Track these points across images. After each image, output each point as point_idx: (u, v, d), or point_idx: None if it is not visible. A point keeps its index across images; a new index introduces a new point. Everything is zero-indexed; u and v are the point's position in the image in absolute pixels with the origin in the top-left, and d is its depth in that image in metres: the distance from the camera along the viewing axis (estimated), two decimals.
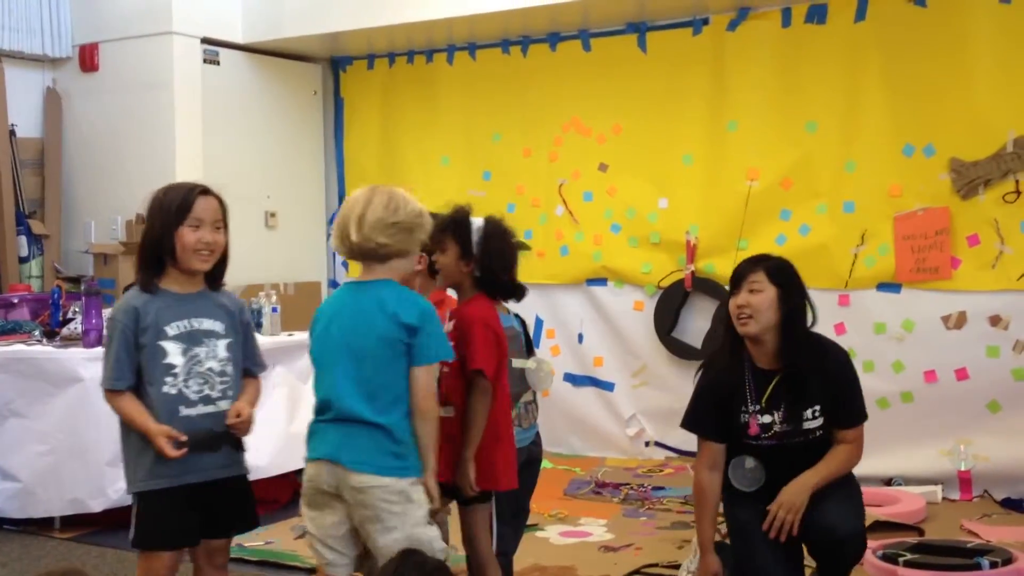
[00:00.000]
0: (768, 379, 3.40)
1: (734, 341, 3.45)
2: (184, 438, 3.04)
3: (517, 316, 3.77)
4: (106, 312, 5.59)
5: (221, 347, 3.17)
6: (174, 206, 3.13)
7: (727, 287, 5.93)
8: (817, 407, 3.37)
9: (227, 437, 3.16)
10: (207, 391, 3.13)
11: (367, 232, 2.94)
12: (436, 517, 3.18)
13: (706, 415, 3.48)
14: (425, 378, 2.94)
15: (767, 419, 3.39)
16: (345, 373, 2.95)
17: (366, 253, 2.98)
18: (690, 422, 3.54)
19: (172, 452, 3.02)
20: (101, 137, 6.65)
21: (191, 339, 3.12)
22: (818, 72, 5.81)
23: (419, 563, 2.81)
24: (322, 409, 3.00)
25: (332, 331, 3.01)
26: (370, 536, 2.93)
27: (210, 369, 3.14)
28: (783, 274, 3.46)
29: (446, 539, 3.33)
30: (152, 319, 3.08)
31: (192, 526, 3.13)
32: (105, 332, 3.12)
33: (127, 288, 3.25)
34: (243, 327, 3.28)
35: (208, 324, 3.17)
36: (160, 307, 3.10)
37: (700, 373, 3.55)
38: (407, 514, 2.90)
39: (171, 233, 3.11)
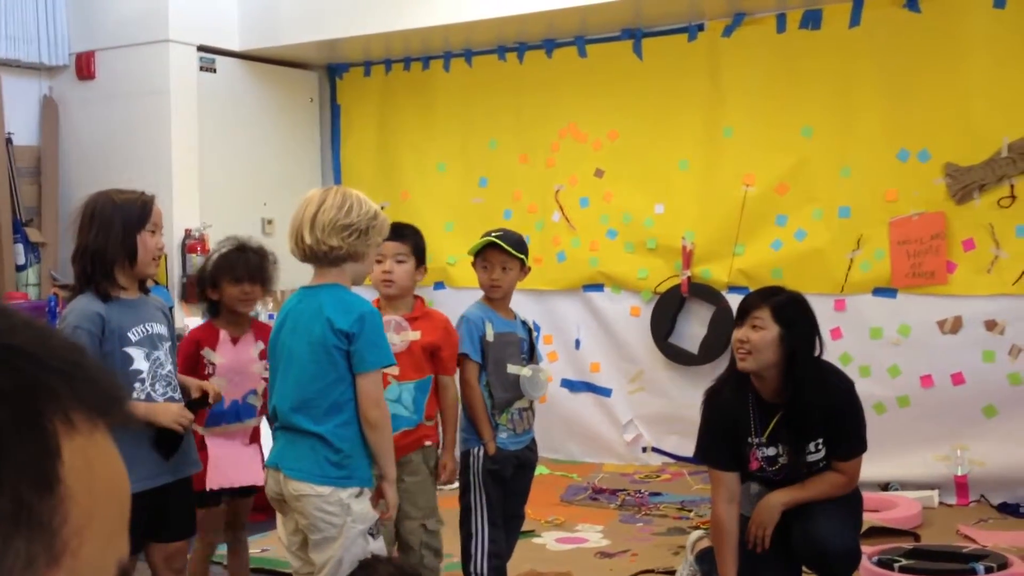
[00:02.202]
0: (771, 413, 3.36)
1: (739, 371, 3.38)
2: (187, 421, 3.08)
3: (524, 322, 3.79)
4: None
5: (167, 349, 3.18)
6: (135, 212, 3.10)
7: (724, 293, 6.04)
8: (820, 440, 3.35)
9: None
10: (170, 392, 3.14)
11: (319, 234, 2.87)
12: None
13: (717, 446, 3.44)
14: (366, 386, 2.87)
15: (771, 452, 3.37)
16: (285, 380, 2.94)
17: (319, 256, 2.92)
18: (703, 455, 3.52)
19: (182, 424, 3.05)
20: (98, 145, 6.65)
21: (150, 343, 3.10)
22: (813, 78, 5.82)
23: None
24: (273, 416, 3.01)
25: (280, 337, 2.99)
26: (310, 545, 2.91)
27: (168, 371, 3.15)
28: (789, 312, 3.35)
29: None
30: (115, 325, 3.04)
31: (140, 533, 3.12)
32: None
33: (72, 296, 3.18)
34: (173, 329, 3.29)
35: (158, 328, 3.16)
36: (119, 313, 3.06)
37: (704, 403, 3.50)
38: (345, 526, 2.85)
39: (133, 238, 3.08)
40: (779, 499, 3.36)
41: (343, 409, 2.87)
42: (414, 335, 3.46)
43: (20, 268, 6.45)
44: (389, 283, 3.52)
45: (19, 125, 6.61)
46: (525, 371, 3.65)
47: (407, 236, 3.55)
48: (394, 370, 3.32)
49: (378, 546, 2.91)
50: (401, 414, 3.39)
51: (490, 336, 3.63)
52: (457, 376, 3.66)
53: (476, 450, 3.61)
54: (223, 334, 3.74)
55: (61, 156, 6.77)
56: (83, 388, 0.57)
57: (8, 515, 0.52)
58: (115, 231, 3.08)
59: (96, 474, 0.57)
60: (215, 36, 6.64)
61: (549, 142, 6.58)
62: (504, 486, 3.67)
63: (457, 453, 3.68)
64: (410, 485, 3.46)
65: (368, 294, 3.54)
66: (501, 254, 3.66)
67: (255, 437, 3.80)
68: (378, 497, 2.95)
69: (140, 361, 3.06)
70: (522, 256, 3.70)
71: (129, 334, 3.06)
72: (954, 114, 5.44)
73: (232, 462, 3.65)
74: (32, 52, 6.56)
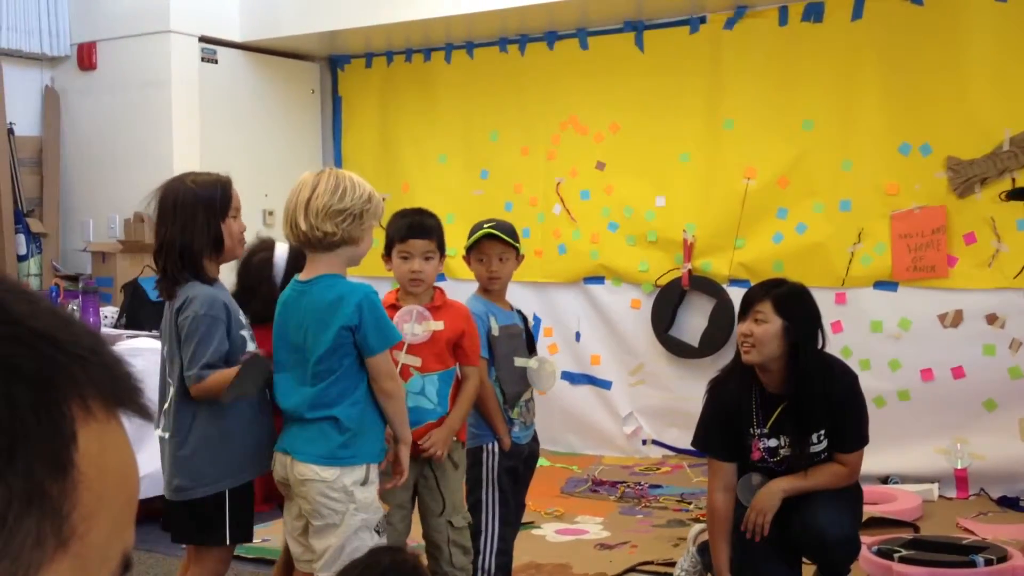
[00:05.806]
0: (775, 404, 3.38)
1: (744, 363, 3.41)
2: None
3: (519, 312, 3.77)
4: (106, 310, 5.61)
5: None
6: (218, 199, 3.06)
7: (724, 286, 6.04)
8: (822, 431, 3.37)
9: None
10: None
11: (313, 220, 2.84)
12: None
13: (716, 435, 3.47)
14: (378, 366, 2.88)
15: (773, 443, 3.39)
16: (290, 374, 2.95)
17: (314, 242, 2.89)
18: (701, 443, 3.54)
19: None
20: (99, 136, 6.66)
21: (248, 326, 3.13)
22: (815, 70, 5.81)
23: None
24: (281, 406, 3.02)
25: (279, 332, 3.00)
26: (311, 531, 2.91)
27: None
28: (791, 305, 3.37)
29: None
30: (232, 309, 3.05)
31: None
32: (195, 325, 2.96)
33: (170, 287, 3.06)
34: None
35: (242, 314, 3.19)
36: (227, 298, 3.08)
37: (707, 393, 3.52)
38: (347, 513, 2.85)
39: (218, 227, 3.04)
40: (780, 486, 3.38)
41: (348, 393, 2.89)
42: (437, 325, 3.32)
43: (22, 258, 6.46)
44: (418, 282, 3.33)
45: (21, 116, 6.62)
46: (532, 363, 3.64)
47: (434, 232, 3.41)
48: (416, 361, 3.26)
49: (378, 542, 2.90)
50: (425, 406, 3.28)
51: (495, 330, 3.59)
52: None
53: (490, 446, 3.53)
54: None
55: (62, 147, 6.78)
56: (101, 376, 0.58)
57: (22, 496, 0.53)
58: (199, 222, 3.01)
59: (109, 462, 0.57)
60: (216, 27, 6.64)
61: (550, 134, 6.58)
62: (517, 481, 3.66)
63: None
64: (435, 481, 3.34)
65: (376, 285, 3.50)
66: (498, 245, 3.59)
67: None
68: (393, 466, 2.97)
69: (251, 343, 3.08)
70: (517, 244, 3.67)
71: (240, 317, 3.08)
72: (956, 107, 5.44)
73: None
74: (34, 43, 6.56)
